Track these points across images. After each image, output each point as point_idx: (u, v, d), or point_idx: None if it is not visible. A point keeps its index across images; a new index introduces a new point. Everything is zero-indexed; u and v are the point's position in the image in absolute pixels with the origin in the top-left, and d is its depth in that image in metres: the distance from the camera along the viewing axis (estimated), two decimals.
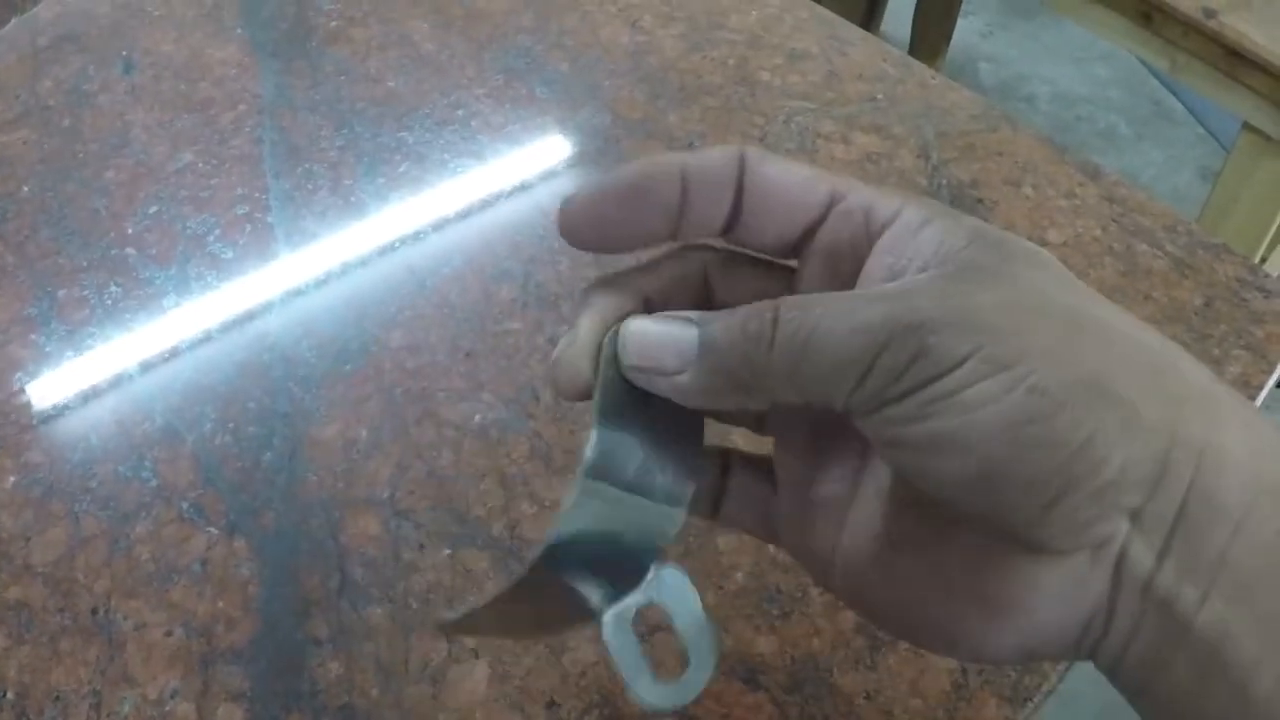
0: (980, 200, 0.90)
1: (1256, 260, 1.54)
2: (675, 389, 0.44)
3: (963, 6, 2.90)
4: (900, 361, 0.38)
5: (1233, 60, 1.72)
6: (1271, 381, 0.81)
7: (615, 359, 0.46)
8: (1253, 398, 0.79)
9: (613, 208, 0.47)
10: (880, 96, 0.98)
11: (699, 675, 0.46)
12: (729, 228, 0.48)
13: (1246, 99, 1.74)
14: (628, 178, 0.47)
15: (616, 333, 0.46)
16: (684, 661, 0.45)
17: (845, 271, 0.46)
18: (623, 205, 0.47)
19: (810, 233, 0.47)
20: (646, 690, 0.46)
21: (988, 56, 3.27)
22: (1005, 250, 0.41)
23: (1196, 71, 1.80)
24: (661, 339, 0.45)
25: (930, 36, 2.90)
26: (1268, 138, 1.75)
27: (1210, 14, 1.73)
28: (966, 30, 3.27)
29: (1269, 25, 1.71)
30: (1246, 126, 1.79)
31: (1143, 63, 3.15)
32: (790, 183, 0.47)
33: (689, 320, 0.44)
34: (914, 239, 0.43)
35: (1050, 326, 0.39)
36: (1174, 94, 3.16)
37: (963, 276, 0.40)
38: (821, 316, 0.40)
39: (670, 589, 0.47)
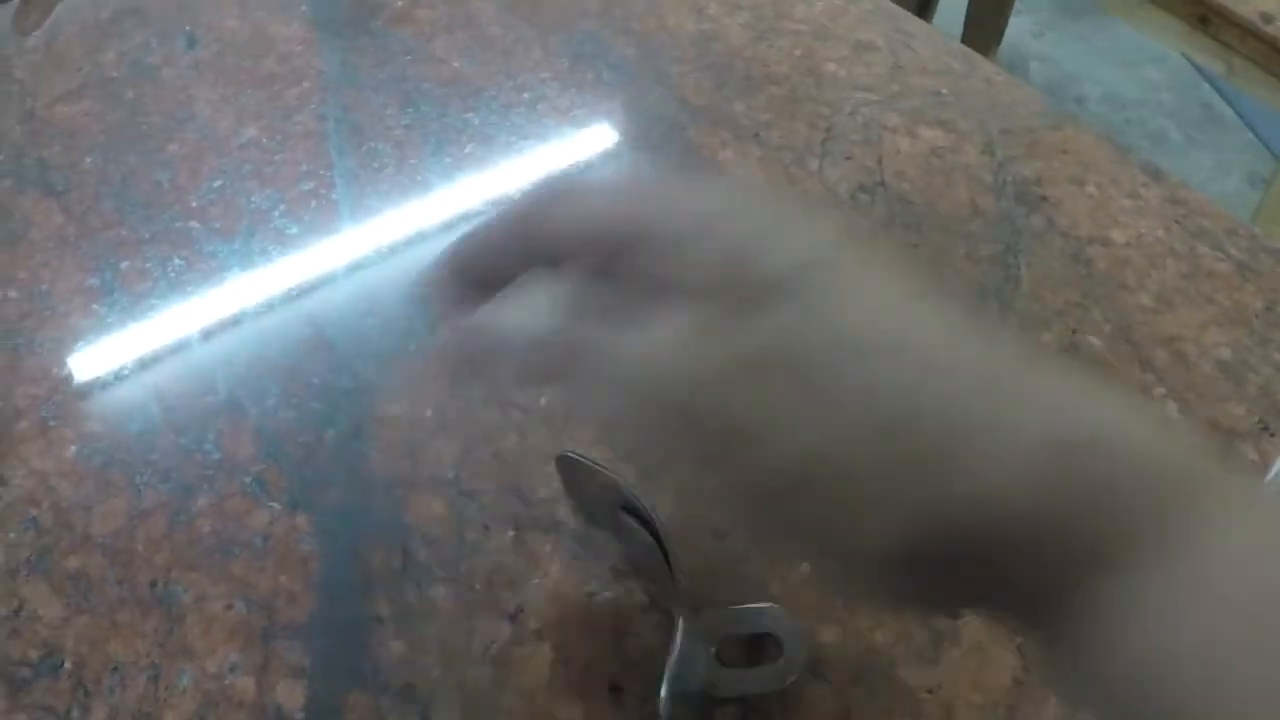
0: (1045, 198, 0.89)
1: None
2: None
3: (1014, 5, 2.90)
4: None
5: None
6: None
7: None
8: None
9: None
10: (945, 91, 0.97)
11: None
12: None
13: None
14: None
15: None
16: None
17: None
18: None
19: None
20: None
21: (1038, 55, 3.26)
22: None
23: (1252, 76, 1.79)
24: None
25: (982, 34, 2.89)
26: None
27: (1269, 19, 1.72)
28: (1017, 29, 3.26)
29: None
30: None
31: (1195, 66, 3.13)
32: None
33: None
34: None
35: None
36: (1225, 99, 3.15)
37: None
38: None
39: None
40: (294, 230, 0.85)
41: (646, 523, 0.62)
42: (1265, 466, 0.76)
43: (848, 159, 0.91)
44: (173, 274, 0.82)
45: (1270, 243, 0.88)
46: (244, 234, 0.84)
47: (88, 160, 0.89)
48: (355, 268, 0.83)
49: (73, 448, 0.74)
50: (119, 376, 0.77)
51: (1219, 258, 0.87)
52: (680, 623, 0.61)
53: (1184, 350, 0.81)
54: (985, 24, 2.89)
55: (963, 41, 2.90)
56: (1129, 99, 3.15)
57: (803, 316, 0.42)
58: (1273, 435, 0.77)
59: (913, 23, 1.04)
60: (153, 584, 0.67)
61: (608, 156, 0.91)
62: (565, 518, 0.70)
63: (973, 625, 0.65)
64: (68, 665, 0.64)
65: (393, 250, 0.84)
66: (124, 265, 0.82)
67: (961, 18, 2.91)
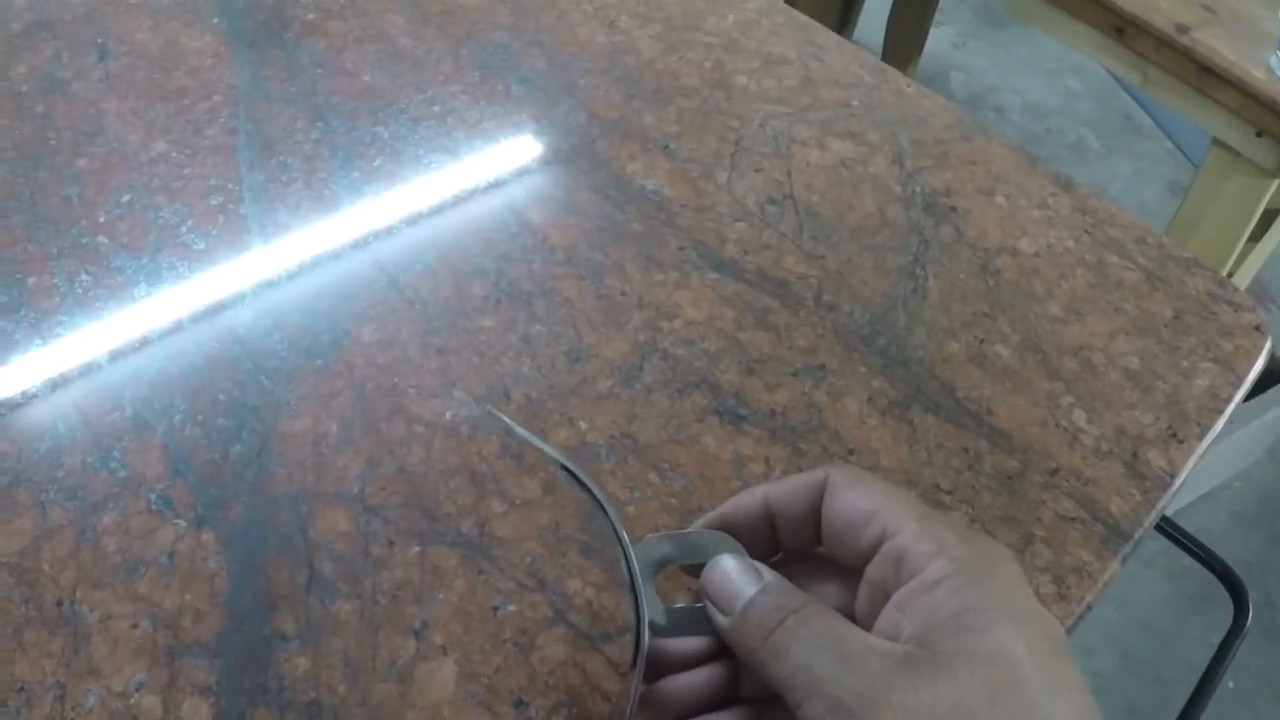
0: (953, 208, 0.90)
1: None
2: (719, 627, 0.55)
3: (935, 16, 2.91)
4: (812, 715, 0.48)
5: (1204, 76, 1.74)
6: (1239, 395, 0.81)
7: None
8: (1220, 411, 0.80)
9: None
10: (855, 103, 0.98)
11: None
12: (820, 544, 0.58)
13: (1216, 114, 1.76)
14: (716, 516, 0.59)
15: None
16: None
17: (879, 605, 0.53)
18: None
19: (866, 561, 0.55)
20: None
21: (959, 66, 3.28)
22: (978, 638, 0.49)
23: (1168, 86, 1.81)
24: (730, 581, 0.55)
25: (903, 45, 2.91)
26: (1236, 153, 1.76)
27: (1183, 30, 1.74)
28: (938, 39, 3.28)
29: (1240, 42, 1.73)
30: (1215, 142, 1.80)
31: (1113, 76, 3.17)
32: (851, 518, 0.55)
33: (759, 576, 0.55)
34: (919, 601, 0.51)
35: None
36: (1144, 108, 3.18)
37: (916, 667, 0.48)
38: (800, 646, 0.50)
39: None
40: (201, 245, 0.84)
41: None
42: (1173, 473, 0.77)
43: (756, 171, 0.92)
44: (80, 290, 0.82)
45: (1178, 251, 0.89)
46: (151, 249, 0.84)
47: None
48: (262, 283, 0.83)
49: None
50: (25, 394, 0.77)
51: (1127, 267, 0.88)
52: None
53: (1092, 359, 0.82)
54: (906, 35, 2.91)
55: (883, 53, 2.94)
56: (1049, 109, 3.18)
57: None
58: (1181, 442, 0.78)
59: (824, 35, 1.05)
60: (59, 603, 0.67)
61: (516, 169, 0.91)
62: (470, 532, 0.70)
63: None
64: None
65: (299, 265, 0.84)
66: (31, 281, 0.82)
67: (883, 29, 2.93)
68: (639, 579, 0.56)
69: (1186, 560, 1.03)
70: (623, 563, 0.57)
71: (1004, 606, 0.49)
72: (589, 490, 0.58)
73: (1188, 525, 1.01)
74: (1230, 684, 2.18)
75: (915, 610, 0.50)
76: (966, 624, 0.48)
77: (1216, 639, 0.94)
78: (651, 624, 0.56)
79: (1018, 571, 0.53)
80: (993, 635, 0.48)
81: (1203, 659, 0.94)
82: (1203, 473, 2.31)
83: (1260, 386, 2.19)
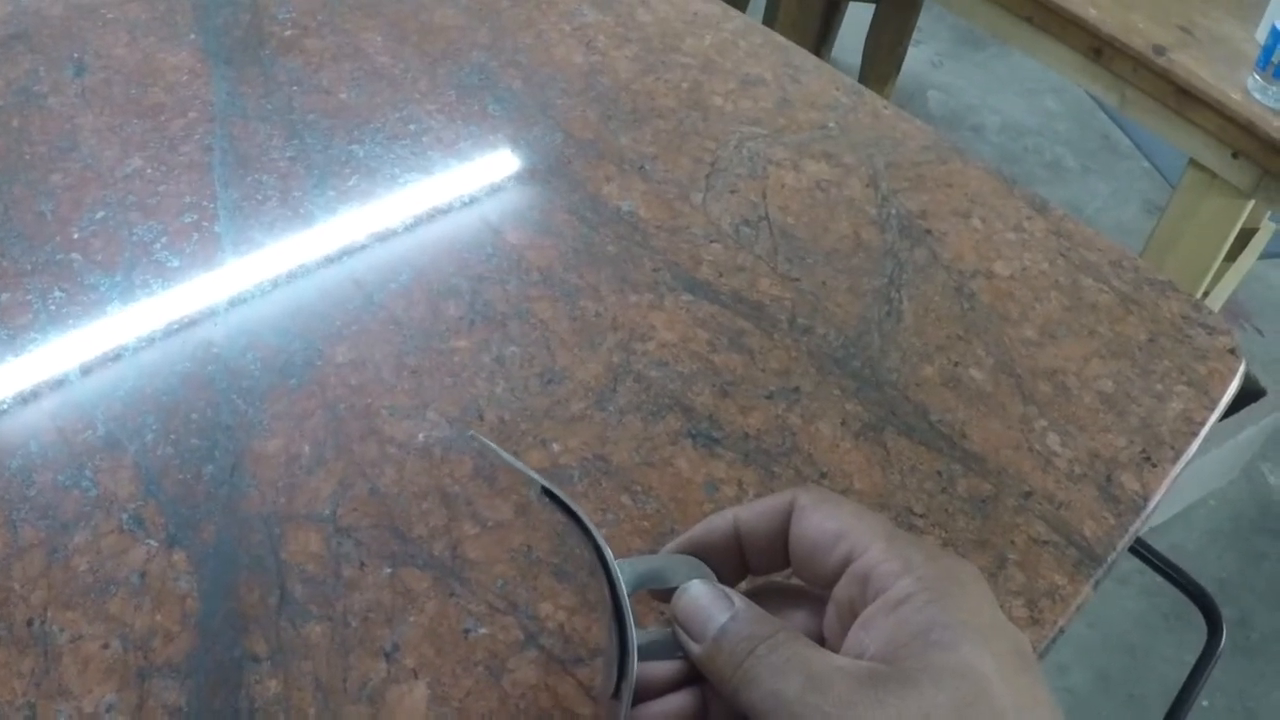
0: (929, 231, 0.90)
1: (1198, 295, 1.56)
2: (691, 654, 0.54)
3: (913, 35, 2.92)
4: None
5: (1181, 97, 1.74)
6: (1213, 418, 0.81)
7: None
8: (1194, 434, 0.80)
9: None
10: (832, 125, 0.98)
11: None
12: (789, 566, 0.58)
13: (1193, 136, 1.76)
14: (686, 540, 0.59)
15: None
16: None
17: (848, 626, 0.53)
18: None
19: (834, 583, 0.55)
20: None
21: (937, 85, 3.29)
22: (945, 653, 0.48)
23: (1145, 107, 1.82)
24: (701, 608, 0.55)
25: (881, 64, 2.92)
26: (1213, 174, 1.77)
27: (1160, 51, 1.75)
28: (917, 59, 3.29)
29: (1217, 64, 1.73)
30: (1192, 163, 1.81)
31: (1091, 97, 3.17)
32: (818, 540, 0.55)
33: (730, 603, 0.54)
34: (886, 619, 0.50)
35: None
36: (1121, 128, 3.19)
37: (883, 684, 0.47)
38: (770, 673, 0.50)
39: None
40: (175, 263, 0.84)
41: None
42: (1146, 497, 0.77)
43: (732, 193, 0.92)
44: (53, 307, 0.81)
45: (1153, 274, 0.89)
46: (125, 266, 0.84)
47: None
48: (236, 301, 0.83)
49: None
50: None
51: (1102, 290, 0.88)
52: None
53: (1066, 383, 0.82)
54: (883, 54, 2.92)
55: (861, 72, 2.94)
56: (1027, 128, 3.19)
57: None
58: (1154, 465, 0.78)
59: (802, 56, 1.05)
60: (29, 622, 0.67)
61: (492, 189, 0.91)
62: (442, 554, 0.70)
63: None
64: None
65: (274, 284, 0.84)
66: (4, 297, 0.82)
67: (861, 48, 2.94)
68: (627, 607, 0.55)
69: (1161, 578, 1.03)
70: (606, 589, 0.56)
71: (971, 622, 0.49)
72: (575, 516, 0.57)
73: (1163, 543, 1.02)
74: (1205, 702, 2.19)
75: (882, 628, 0.50)
76: (933, 640, 0.48)
77: (1190, 656, 0.94)
78: (624, 649, 0.55)
79: (985, 588, 0.53)
80: (959, 650, 0.48)
81: (1177, 676, 0.94)
82: (1178, 491, 2.31)
83: (1236, 405, 2.20)
